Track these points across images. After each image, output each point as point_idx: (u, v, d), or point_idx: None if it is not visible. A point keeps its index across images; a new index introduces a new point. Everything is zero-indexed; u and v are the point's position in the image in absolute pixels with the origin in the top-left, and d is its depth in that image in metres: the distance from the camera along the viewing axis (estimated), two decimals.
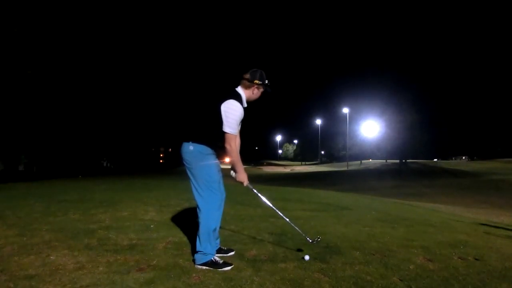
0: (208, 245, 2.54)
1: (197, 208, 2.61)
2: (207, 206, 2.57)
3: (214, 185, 2.60)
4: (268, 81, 2.76)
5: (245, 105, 2.69)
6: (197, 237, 2.57)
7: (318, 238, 2.92)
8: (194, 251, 2.66)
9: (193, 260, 2.58)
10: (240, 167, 2.69)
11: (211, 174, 2.60)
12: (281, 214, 3.10)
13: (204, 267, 2.48)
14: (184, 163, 2.62)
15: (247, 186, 2.77)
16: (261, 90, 2.74)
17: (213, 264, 2.51)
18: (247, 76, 2.70)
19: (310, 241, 2.88)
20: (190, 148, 2.58)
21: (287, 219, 3.12)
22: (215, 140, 2.60)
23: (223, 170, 2.76)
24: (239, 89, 2.69)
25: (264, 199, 2.95)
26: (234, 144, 2.59)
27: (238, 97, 2.61)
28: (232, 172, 2.76)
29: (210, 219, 2.56)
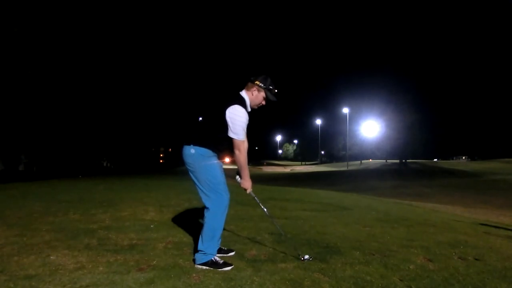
0: (210, 245, 2.54)
1: (205, 209, 2.60)
2: (214, 207, 2.56)
3: (220, 186, 2.59)
4: (273, 88, 2.69)
5: (249, 109, 2.67)
6: (200, 236, 2.56)
7: (310, 258, 2.77)
8: (195, 250, 2.66)
9: (193, 260, 2.58)
10: (246, 173, 2.68)
11: (215, 176, 2.59)
12: (278, 227, 3.09)
13: (204, 267, 2.48)
14: (187, 166, 2.62)
15: (249, 194, 2.75)
16: (262, 94, 2.67)
17: (213, 264, 2.50)
18: (252, 78, 2.69)
19: (301, 258, 2.75)
20: (191, 151, 2.57)
21: (283, 232, 3.11)
22: (217, 143, 2.60)
23: (225, 170, 2.76)
24: (243, 93, 2.66)
25: (264, 209, 2.90)
26: (243, 149, 2.58)
27: (242, 102, 2.59)
28: (237, 177, 2.75)
29: (216, 219, 2.56)
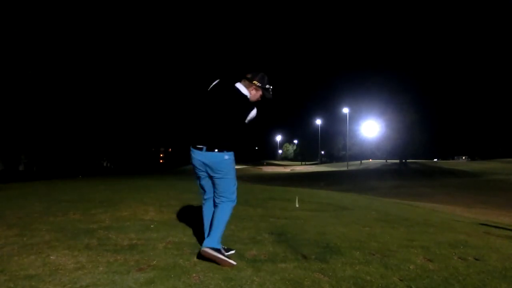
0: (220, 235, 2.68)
1: (218, 204, 2.71)
2: (230, 201, 2.74)
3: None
4: (269, 86, 2.73)
5: None
6: (215, 227, 2.62)
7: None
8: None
9: (200, 253, 2.57)
10: None
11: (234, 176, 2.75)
12: None
13: (211, 252, 2.51)
14: (214, 172, 2.68)
15: None
16: (260, 93, 2.72)
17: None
18: (249, 75, 2.72)
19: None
20: (225, 158, 2.67)
21: None
22: (235, 143, 2.70)
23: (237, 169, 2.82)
24: (244, 90, 2.70)
25: None
26: None
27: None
28: None
29: (229, 213, 2.75)
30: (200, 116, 2.67)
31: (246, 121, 2.66)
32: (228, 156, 2.60)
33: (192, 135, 2.67)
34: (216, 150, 2.57)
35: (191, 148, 2.65)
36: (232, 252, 2.85)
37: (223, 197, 2.68)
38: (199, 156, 2.60)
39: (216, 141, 2.59)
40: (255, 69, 2.80)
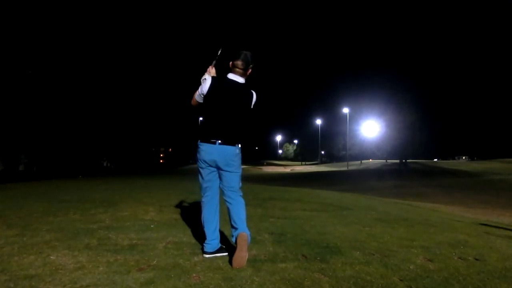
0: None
1: (231, 199, 2.74)
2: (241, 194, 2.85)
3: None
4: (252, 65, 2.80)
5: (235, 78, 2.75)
6: (240, 220, 2.66)
7: None
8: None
9: (240, 235, 2.60)
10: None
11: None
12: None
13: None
14: (225, 167, 2.71)
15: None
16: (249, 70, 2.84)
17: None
18: (239, 64, 2.75)
19: None
20: (237, 152, 2.75)
21: None
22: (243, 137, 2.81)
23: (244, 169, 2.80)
24: (239, 78, 2.76)
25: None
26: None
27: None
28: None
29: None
30: (212, 111, 2.69)
31: (251, 107, 2.80)
32: (238, 150, 2.71)
33: (205, 130, 2.69)
34: (230, 144, 2.67)
35: (202, 143, 2.67)
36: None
37: (234, 192, 2.73)
38: (212, 149, 2.64)
39: (230, 134, 2.68)
40: (255, 69, 2.83)
